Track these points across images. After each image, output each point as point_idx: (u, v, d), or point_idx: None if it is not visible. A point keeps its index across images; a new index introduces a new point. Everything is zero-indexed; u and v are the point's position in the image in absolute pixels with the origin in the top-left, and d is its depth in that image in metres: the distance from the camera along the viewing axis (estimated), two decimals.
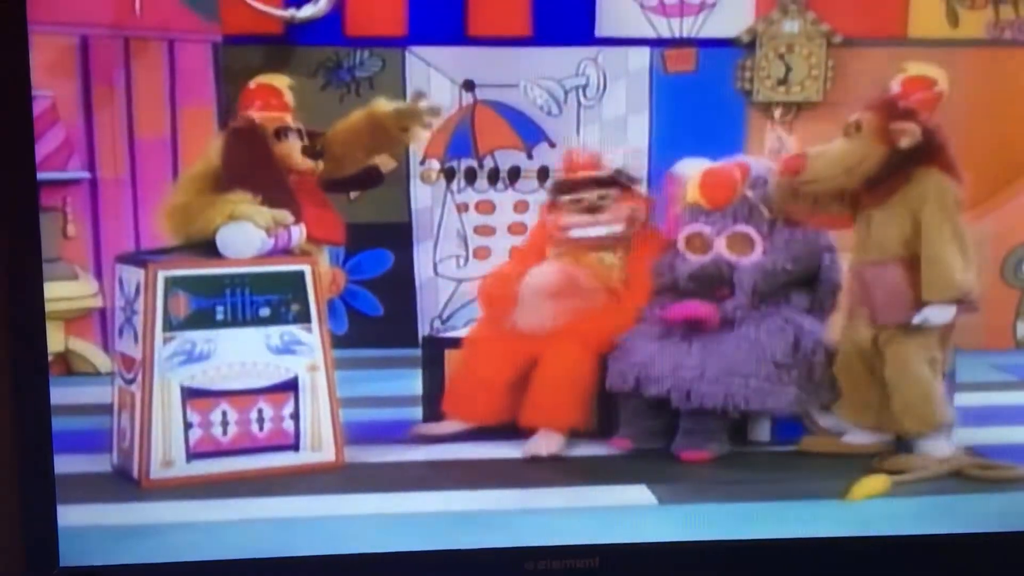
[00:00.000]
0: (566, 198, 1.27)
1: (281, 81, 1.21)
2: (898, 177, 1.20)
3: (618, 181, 1.27)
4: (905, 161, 1.20)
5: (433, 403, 1.31)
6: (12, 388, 1.12)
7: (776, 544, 1.18)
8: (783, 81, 1.25)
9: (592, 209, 1.28)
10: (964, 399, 1.29)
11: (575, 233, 1.29)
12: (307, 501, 1.20)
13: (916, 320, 1.21)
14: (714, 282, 1.26)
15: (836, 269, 1.28)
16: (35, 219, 1.09)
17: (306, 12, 1.17)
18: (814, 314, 1.28)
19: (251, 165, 1.22)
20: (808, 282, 1.28)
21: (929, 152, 1.20)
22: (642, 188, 1.29)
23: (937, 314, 1.21)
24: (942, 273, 1.20)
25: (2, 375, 1.13)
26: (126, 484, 1.21)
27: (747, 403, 1.25)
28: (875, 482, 1.21)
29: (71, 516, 1.14)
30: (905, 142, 1.19)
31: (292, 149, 1.24)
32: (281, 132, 1.23)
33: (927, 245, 1.20)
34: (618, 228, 1.29)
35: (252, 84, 1.21)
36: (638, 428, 1.29)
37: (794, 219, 1.26)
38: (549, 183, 1.28)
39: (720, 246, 1.26)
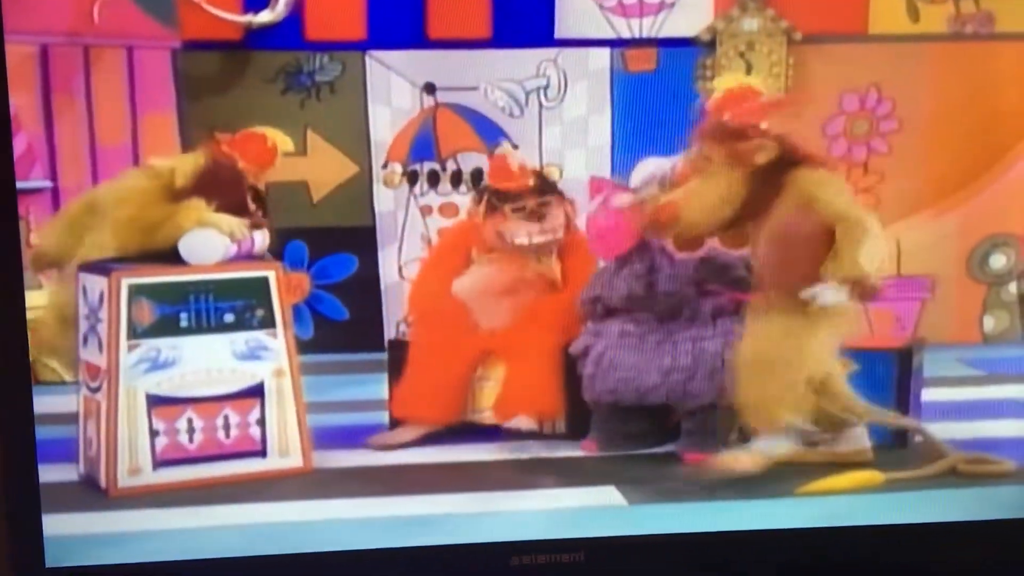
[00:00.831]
0: (508, 206, 1.27)
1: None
2: (773, 189, 1.19)
3: (548, 186, 1.28)
4: (772, 173, 1.18)
5: None
6: None
7: (755, 536, 1.19)
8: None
9: (534, 216, 1.28)
10: (931, 394, 1.29)
11: (520, 240, 1.29)
12: (277, 507, 1.20)
13: (805, 294, 1.18)
14: (714, 275, 1.27)
15: None
16: (15, 227, 1.10)
17: (264, 17, 1.16)
18: None
19: (222, 184, 1.22)
20: None
21: (791, 155, 1.18)
22: (564, 192, 1.29)
23: (829, 294, 1.17)
24: (846, 253, 1.17)
25: None
26: (94, 493, 1.21)
27: (690, 398, 1.24)
28: (866, 476, 1.21)
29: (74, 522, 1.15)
30: (761, 158, 1.17)
31: None
32: None
33: (837, 231, 1.17)
34: (559, 235, 1.29)
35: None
36: (609, 432, 1.28)
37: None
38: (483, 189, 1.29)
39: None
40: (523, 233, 1.28)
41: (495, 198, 1.27)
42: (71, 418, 1.24)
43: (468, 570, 1.19)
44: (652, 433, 1.29)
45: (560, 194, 1.29)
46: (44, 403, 1.23)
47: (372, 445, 1.30)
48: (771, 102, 1.21)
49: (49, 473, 1.17)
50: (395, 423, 1.31)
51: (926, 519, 1.20)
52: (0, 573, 1.14)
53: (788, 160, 1.18)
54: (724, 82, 1.21)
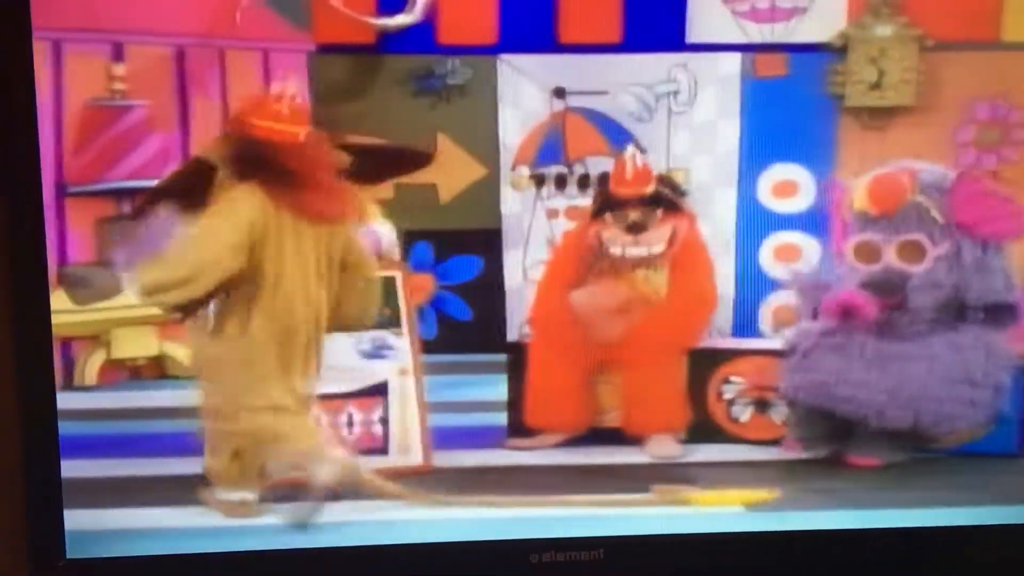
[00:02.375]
0: (611, 214, 1.27)
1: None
2: None
3: (663, 198, 1.26)
4: None
5: (517, 408, 1.32)
6: (18, 388, 1.14)
7: (781, 536, 1.20)
8: (875, 85, 1.24)
9: (633, 228, 1.27)
10: None
11: (613, 250, 1.28)
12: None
13: None
14: (886, 291, 1.25)
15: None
16: (40, 225, 1.11)
17: (400, 20, 1.17)
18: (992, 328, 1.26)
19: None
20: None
21: None
22: (687, 202, 1.27)
23: None
24: None
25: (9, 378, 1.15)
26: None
27: (936, 426, 1.24)
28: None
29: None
30: None
31: None
32: None
33: None
34: (658, 249, 1.27)
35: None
36: (812, 433, 1.28)
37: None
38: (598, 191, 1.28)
39: (891, 255, 1.24)
40: (618, 243, 1.28)
41: (604, 202, 1.27)
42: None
43: (486, 567, 1.20)
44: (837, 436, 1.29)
45: (674, 208, 1.27)
46: (172, 397, 1.28)
47: (509, 448, 1.31)
48: None
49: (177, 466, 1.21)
50: (533, 430, 1.32)
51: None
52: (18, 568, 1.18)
53: None
54: None
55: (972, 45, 1.22)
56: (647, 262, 1.28)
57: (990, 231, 1.23)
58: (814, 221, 1.28)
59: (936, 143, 1.24)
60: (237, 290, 1.17)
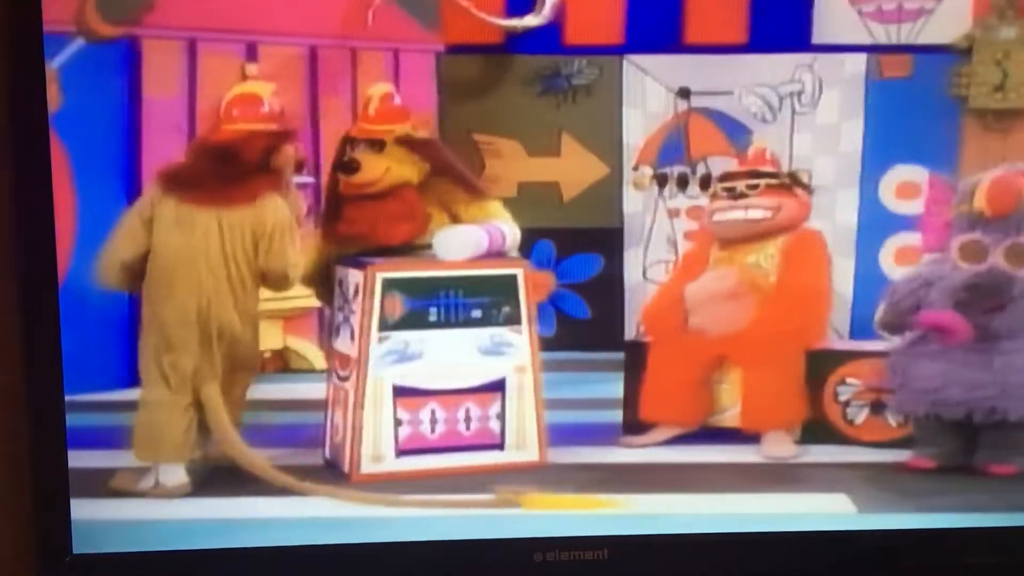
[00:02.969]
0: (721, 185, 1.28)
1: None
2: None
3: (771, 175, 1.27)
4: None
5: (632, 406, 1.33)
6: (28, 381, 1.15)
7: (782, 537, 1.19)
8: (999, 87, 1.23)
9: (740, 196, 1.27)
10: None
11: (716, 217, 1.29)
12: None
13: None
14: (989, 293, 1.24)
15: None
16: (50, 226, 1.11)
17: (529, 20, 1.19)
18: None
19: None
20: None
21: None
22: (807, 194, 1.28)
23: None
24: None
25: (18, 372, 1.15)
26: (337, 477, 1.26)
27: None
28: None
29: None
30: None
31: None
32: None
33: None
34: (758, 214, 1.28)
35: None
36: (942, 448, 1.27)
37: None
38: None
39: (998, 256, 1.24)
40: (720, 209, 1.28)
41: (718, 181, 1.28)
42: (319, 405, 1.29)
43: (491, 566, 1.20)
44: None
45: (784, 183, 1.27)
46: (296, 391, 1.31)
47: (623, 445, 1.32)
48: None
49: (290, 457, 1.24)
50: (645, 426, 1.33)
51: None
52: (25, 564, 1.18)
53: None
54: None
55: None
56: (757, 246, 1.29)
57: None
58: None
59: None
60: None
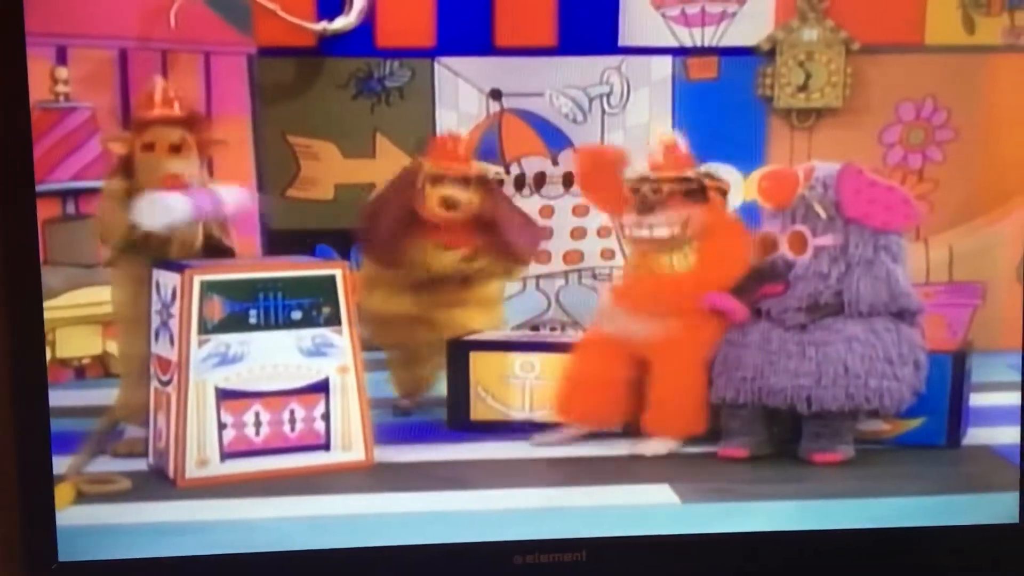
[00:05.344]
0: (630, 193, 1.29)
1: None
2: None
3: (685, 181, 1.27)
4: None
5: (457, 405, 1.35)
6: (12, 388, 1.16)
7: (765, 537, 1.22)
8: (803, 88, 1.28)
9: (645, 209, 1.28)
10: (979, 399, 1.31)
11: (628, 232, 1.30)
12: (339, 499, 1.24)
13: None
14: (766, 278, 1.28)
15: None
16: (33, 222, 1.13)
17: (338, 24, 1.20)
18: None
19: None
20: None
21: None
22: (721, 196, 1.29)
23: None
24: None
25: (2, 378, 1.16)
26: (162, 483, 1.25)
27: (868, 402, 1.26)
28: None
29: (88, 514, 1.18)
30: None
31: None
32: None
33: None
34: (663, 233, 1.28)
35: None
36: (756, 436, 1.30)
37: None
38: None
39: (783, 245, 1.27)
40: (632, 225, 1.29)
41: (630, 189, 1.29)
42: None
43: (471, 568, 1.22)
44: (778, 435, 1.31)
45: (694, 188, 1.27)
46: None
47: (534, 443, 1.32)
48: None
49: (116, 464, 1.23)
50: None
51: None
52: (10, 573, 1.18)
53: None
54: None
55: (897, 48, 1.26)
56: (670, 247, 1.29)
57: (880, 222, 1.25)
58: (746, 219, 1.31)
59: (863, 143, 1.28)
60: None
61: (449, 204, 1.30)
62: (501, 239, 1.32)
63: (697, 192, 1.27)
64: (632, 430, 1.32)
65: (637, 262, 1.32)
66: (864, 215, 1.25)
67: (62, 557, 1.16)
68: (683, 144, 1.26)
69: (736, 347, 1.29)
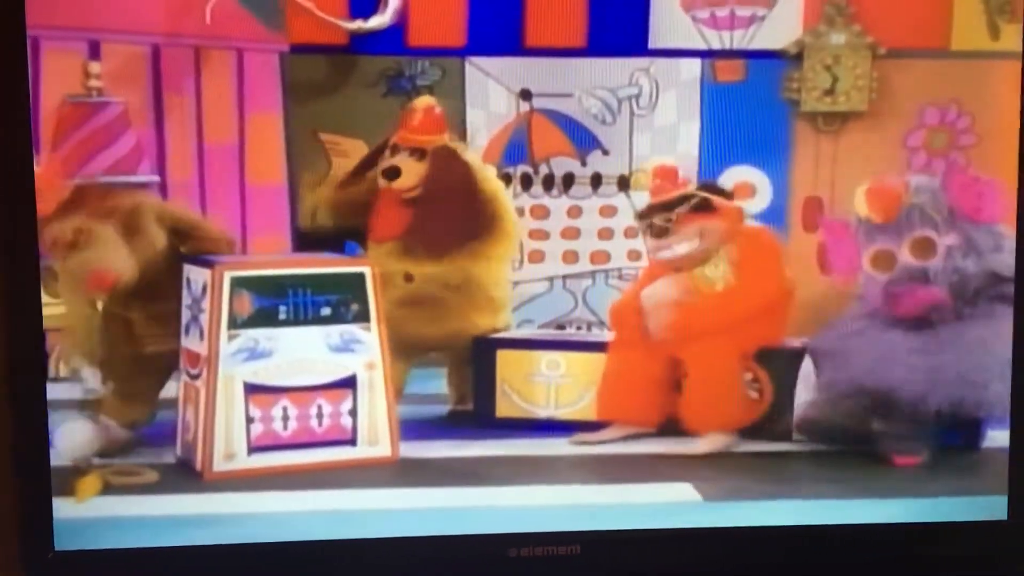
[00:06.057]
0: (641, 224, 1.32)
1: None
2: None
3: (688, 197, 1.29)
4: None
5: (483, 402, 1.37)
6: (11, 383, 1.17)
7: (758, 532, 1.24)
8: (829, 91, 1.29)
9: (660, 233, 1.31)
10: None
11: (657, 256, 1.32)
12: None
13: None
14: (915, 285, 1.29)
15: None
16: (33, 222, 1.14)
17: (373, 23, 1.20)
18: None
19: None
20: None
21: None
22: (729, 200, 1.30)
23: None
24: None
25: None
26: (189, 475, 1.26)
27: (978, 408, 1.28)
28: None
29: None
30: None
31: None
32: None
33: None
34: (685, 249, 1.32)
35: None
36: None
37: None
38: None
39: (905, 255, 1.29)
40: (654, 250, 1.32)
41: (639, 218, 1.32)
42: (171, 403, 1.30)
43: (466, 561, 1.23)
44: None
45: (698, 203, 1.30)
46: None
47: (576, 443, 1.33)
48: None
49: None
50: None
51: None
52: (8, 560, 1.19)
53: None
54: None
55: (922, 53, 1.27)
56: (701, 260, 1.32)
57: (987, 215, 1.27)
58: (772, 221, 1.32)
59: (888, 147, 1.29)
60: None
61: (389, 174, 1.29)
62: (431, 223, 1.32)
63: (702, 205, 1.29)
64: (667, 429, 1.34)
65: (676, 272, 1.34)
66: (975, 210, 1.27)
67: (59, 546, 1.18)
68: (672, 165, 1.29)
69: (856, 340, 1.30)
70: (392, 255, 1.33)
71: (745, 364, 1.33)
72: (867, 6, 1.26)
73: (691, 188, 1.29)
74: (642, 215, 1.31)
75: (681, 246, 1.31)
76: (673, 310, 1.33)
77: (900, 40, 1.27)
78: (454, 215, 1.34)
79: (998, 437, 1.29)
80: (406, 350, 1.33)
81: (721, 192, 1.30)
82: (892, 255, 1.29)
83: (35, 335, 1.16)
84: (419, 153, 1.29)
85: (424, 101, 1.26)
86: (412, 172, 1.30)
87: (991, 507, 1.26)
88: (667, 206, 1.30)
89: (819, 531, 1.25)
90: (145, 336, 1.27)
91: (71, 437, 1.22)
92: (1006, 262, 1.27)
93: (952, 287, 1.28)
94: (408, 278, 1.33)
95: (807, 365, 1.34)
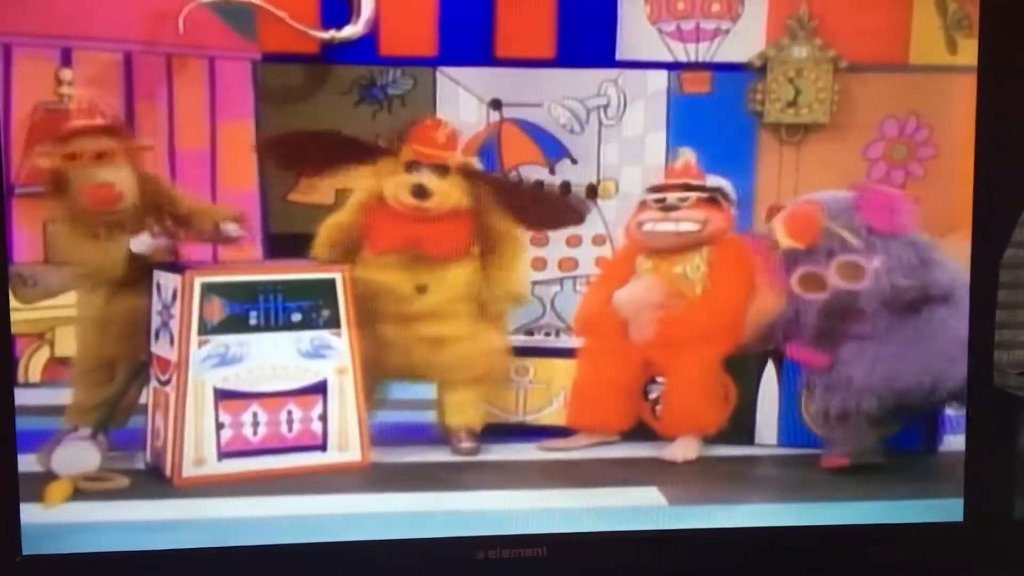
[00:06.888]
0: (651, 197, 1.33)
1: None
2: None
3: (700, 188, 1.32)
4: None
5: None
6: None
7: (721, 533, 1.27)
8: (792, 103, 1.32)
9: (669, 209, 1.33)
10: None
11: (646, 228, 1.33)
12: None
13: None
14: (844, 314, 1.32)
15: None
16: (1, 228, 1.15)
17: (345, 33, 1.22)
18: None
19: None
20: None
21: None
22: (730, 207, 1.33)
23: None
24: None
25: None
26: (159, 481, 1.26)
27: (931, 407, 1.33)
28: None
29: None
30: None
31: None
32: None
33: None
34: (687, 227, 1.33)
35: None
36: (858, 445, 1.33)
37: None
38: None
39: (834, 279, 1.31)
40: (651, 220, 1.33)
41: (648, 190, 1.32)
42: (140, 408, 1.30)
43: (434, 563, 1.24)
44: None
45: (713, 197, 1.32)
46: None
47: (544, 449, 1.35)
48: None
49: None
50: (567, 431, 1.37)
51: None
52: None
53: None
54: None
55: (882, 67, 1.31)
56: (684, 258, 1.34)
57: (900, 226, 1.31)
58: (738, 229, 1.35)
59: (848, 158, 1.32)
60: None
61: (419, 192, 1.30)
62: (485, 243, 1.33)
63: (713, 200, 1.32)
64: (633, 436, 1.36)
65: (647, 268, 1.35)
66: (890, 224, 1.30)
67: (26, 550, 1.18)
68: (696, 160, 1.32)
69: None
70: (397, 266, 1.33)
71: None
72: (829, 21, 1.29)
73: (710, 182, 1.32)
74: (656, 188, 1.32)
75: (685, 224, 1.32)
76: (656, 313, 1.35)
77: (861, 54, 1.30)
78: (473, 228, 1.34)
79: (954, 441, 1.32)
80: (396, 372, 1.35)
81: (726, 197, 1.33)
82: (821, 278, 1.32)
83: (2, 340, 1.17)
84: (442, 170, 1.30)
85: (439, 117, 1.28)
86: (441, 191, 1.30)
87: (947, 510, 1.30)
88: (686, 187, 1.31)
89: (780, 533, 1.28)
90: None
91: (77, 458, 1.24)
92: (934, 272, 1.31)
93: (886, 304, 1.31)
94: (421, 289, 1.34)
95: (770, 371, 1.37)
